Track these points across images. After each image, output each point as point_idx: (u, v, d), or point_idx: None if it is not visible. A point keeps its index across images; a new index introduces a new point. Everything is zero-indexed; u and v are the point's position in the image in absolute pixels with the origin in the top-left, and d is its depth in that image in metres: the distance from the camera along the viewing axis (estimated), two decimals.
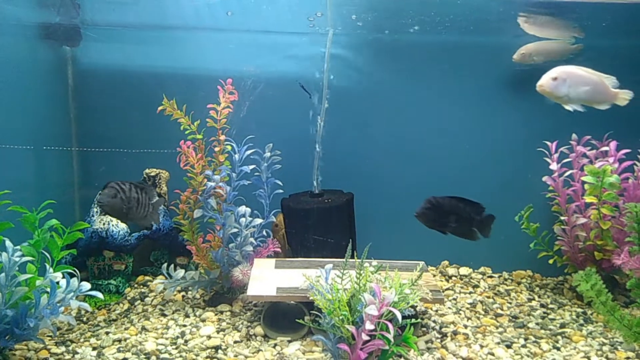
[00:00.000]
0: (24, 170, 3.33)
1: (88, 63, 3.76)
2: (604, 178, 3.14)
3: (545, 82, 2.93)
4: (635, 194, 3.25)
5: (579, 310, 3.31)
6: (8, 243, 2.40)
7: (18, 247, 2.43)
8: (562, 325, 3.08)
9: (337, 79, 3.75)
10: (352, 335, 2.37)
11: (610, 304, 2.36)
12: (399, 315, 2.28)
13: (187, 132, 3.13)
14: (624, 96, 3.01)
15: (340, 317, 2.41)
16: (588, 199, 3.25)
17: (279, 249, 3.36)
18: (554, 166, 3.46)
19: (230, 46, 3.77)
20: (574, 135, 3.52)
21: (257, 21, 3.62)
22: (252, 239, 3.24)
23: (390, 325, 2.28)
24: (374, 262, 2.81)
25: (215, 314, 3.10)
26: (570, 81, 2.91)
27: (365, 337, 2.31)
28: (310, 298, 2.55)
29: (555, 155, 3.47)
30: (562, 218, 3.50)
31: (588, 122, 3.62)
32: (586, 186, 3.27)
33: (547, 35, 3.62)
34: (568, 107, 3.00)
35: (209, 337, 2.84)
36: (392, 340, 2.31)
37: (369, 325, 2.28)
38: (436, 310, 3.21)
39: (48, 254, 2.66)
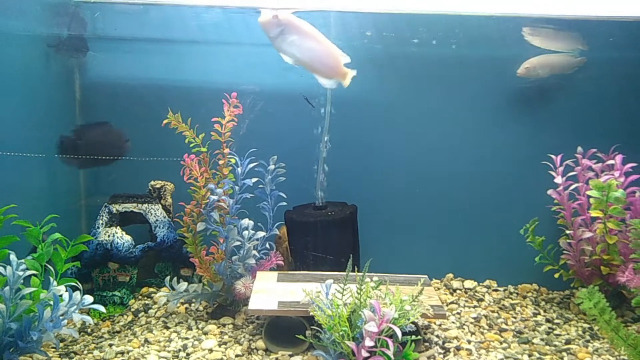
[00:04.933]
0: (32, 179, 3.38)
1: (94, 75, 3.81)
2: (609, 192, 3.11)
3: (264, 15, 2.67)
4: None
5: (585, 325, 3.26)
6: (12, 257, 2.43)
7: (22, 260, 2.46)
8: (568, 342, 3.04)
9: (342, 91, 3.76)
10: (352, 351, 2.36)
11: (614, 322, 2.32)
12: (398, 333, 2.27)
13: (191, 145, 3.15)
14: (350, 76, 2.81)
15: (341, 333, 2.41)
16: (594, 213, 3.22)
17: (281, 262, 3.36)
18: (558, 179, 3.43)
19: (234, 59, 3.79)
20: (579, 148, 3.49)
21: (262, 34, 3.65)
22: (255, 252, 3.25)
23: (390, 342, 2.27)
24: (375, 277, 2.80)
25: (218, 327, 3.11)
26: (289, 29, 2.61)
27: (365, 354, 2.30)
28: (311, 313, 2.55)
29: (560, 169, 3.44)
30: (567, 232, 3.46)
31: (594, 135, 3.61)
32: (591, 200, 3.24)
33: (551, 48, 3.61)
34: (288, 60, 2.74)
35: (211, 350, 2.84)
36: (392, 357, 2.31)
37: (368, 342, 2.28)
38: (439, 325, 3.19)
39: (52, 267, 2.69)
